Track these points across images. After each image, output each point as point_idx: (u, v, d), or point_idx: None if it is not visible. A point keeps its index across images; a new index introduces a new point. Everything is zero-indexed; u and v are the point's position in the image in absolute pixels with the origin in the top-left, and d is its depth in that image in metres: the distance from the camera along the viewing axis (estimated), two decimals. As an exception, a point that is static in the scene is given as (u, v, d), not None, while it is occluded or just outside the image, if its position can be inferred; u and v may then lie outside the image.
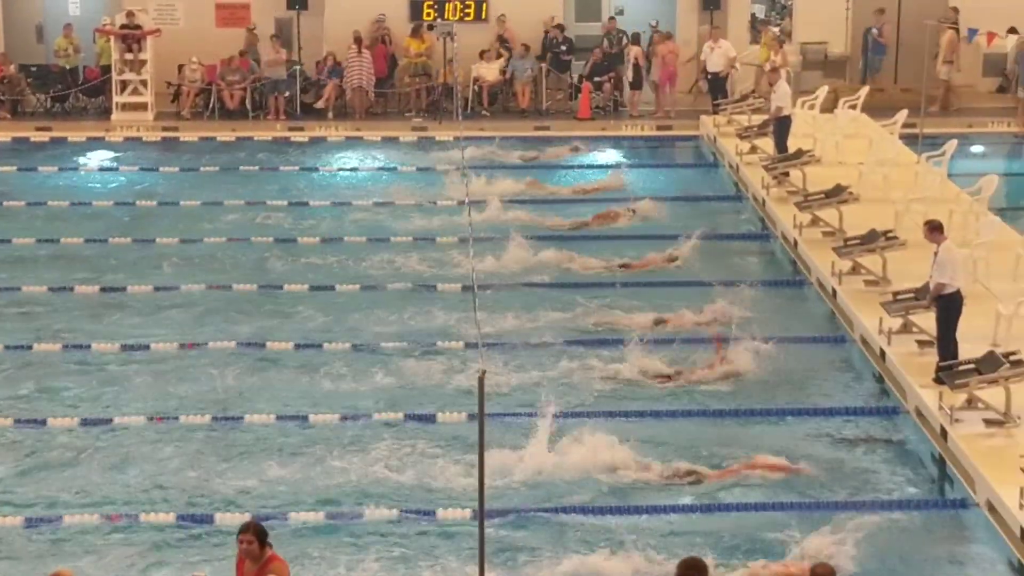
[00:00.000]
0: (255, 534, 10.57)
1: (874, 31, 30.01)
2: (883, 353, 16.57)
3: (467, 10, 30.85)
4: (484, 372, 9.24)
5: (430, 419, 15.61)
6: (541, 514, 13.54)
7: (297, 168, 26.49)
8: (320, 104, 29.79)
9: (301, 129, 28.94)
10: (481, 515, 9.76)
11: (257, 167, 26.35)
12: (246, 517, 13.17)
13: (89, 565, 12.53)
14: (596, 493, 14.04)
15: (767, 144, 24.83)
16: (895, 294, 17.01)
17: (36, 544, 13.03)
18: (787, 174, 23.14)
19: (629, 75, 29.88)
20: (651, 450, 14.82)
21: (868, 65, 30.28)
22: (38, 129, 28.61)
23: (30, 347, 17.54)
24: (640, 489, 14.15)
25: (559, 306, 19.00)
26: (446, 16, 30.49)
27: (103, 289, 19.71)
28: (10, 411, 15.81)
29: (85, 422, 15.48)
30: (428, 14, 30.69)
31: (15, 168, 26.14)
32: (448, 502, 13.77)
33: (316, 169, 26.60)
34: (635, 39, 30.07)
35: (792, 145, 23.79)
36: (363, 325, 18.51)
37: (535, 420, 14.92)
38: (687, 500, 13.90)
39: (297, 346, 17.68)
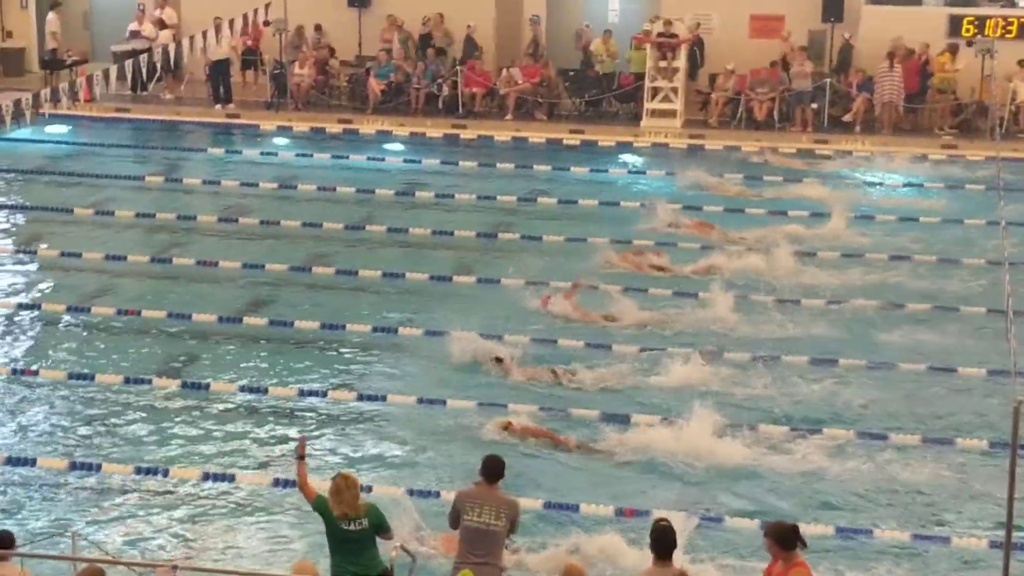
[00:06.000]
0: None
1: None
2: None
3: (1009, 27, 29.64)
4: (1021, 402, 8.90)
5: (949, 442, 15.41)
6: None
7: (819, 181, 26.32)
8: (848, 117, 29.49)
9: (826, 142, 28.75)
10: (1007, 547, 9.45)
11: (781, 177, 26.41)
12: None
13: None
14: None
15: None
16: None
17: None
18: None
19: None
20: None
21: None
22: (571, 132, 29.80)
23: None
24: None
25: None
26: (986, 32, 29.45)
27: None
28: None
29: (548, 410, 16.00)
30: (967, 30, 29.75)
31: (550, 167, 27.33)
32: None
33: (842, 179, 26.39)
34: None
35: None
36: (876, 339, 18.37)
37: None
38: None
39: (812, 361, 17.62)
